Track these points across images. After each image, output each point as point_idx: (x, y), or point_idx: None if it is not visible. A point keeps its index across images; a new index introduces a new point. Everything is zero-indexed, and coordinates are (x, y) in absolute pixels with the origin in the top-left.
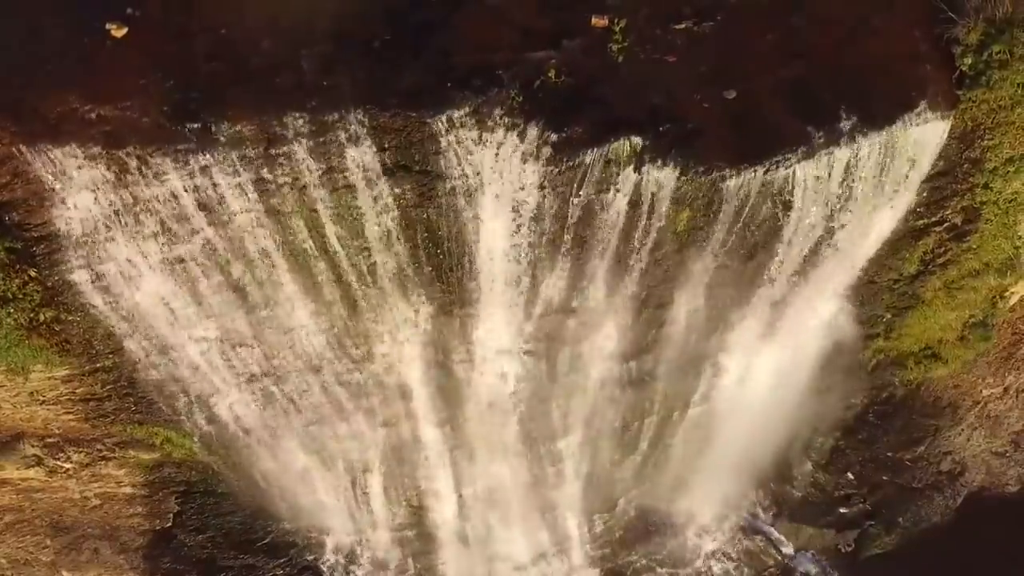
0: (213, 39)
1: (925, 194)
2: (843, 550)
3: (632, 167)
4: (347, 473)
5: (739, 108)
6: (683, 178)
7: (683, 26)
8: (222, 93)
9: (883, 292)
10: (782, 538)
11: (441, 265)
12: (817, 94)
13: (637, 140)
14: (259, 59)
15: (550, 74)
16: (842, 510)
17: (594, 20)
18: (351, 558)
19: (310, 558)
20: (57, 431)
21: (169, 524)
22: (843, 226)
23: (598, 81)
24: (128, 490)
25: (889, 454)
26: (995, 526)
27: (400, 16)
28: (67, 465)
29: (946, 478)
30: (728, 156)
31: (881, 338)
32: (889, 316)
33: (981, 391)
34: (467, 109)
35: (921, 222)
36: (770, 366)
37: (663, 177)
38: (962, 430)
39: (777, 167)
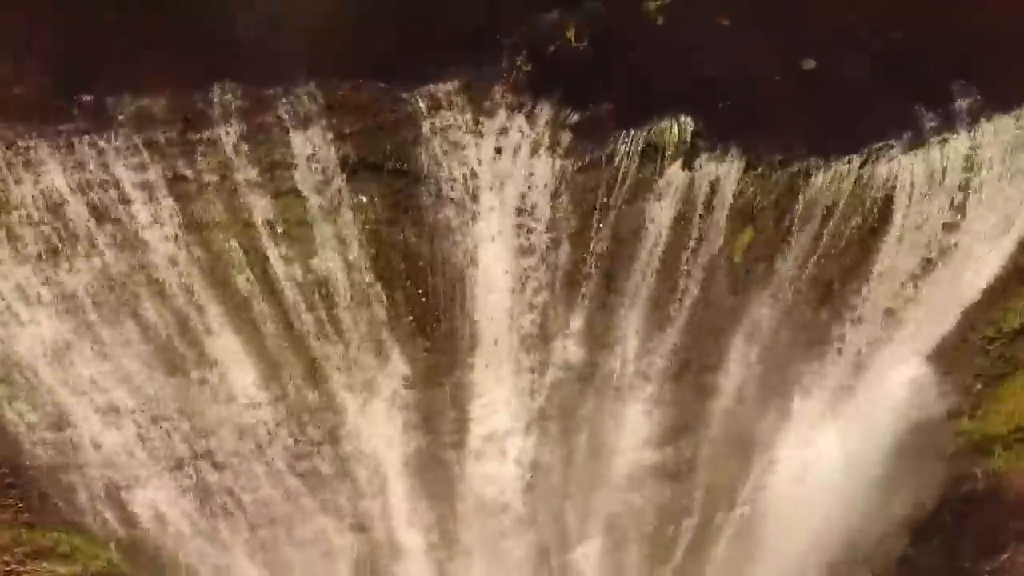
0: None
1: None
2: None
3: (680, 162)
4: None
5: (820, 82)
6: (751, 173)
7: None
8: (128, 56)
9: (976, 354)
10: None
11: (425, 311)
12: (922, 66)
13: (687, 121)
14: (182, 16)
15: (568, 35)
16: None
17: None
18: None
19: None
20: None
21: None
22: (952, 250)
23: (631, 46)
24: None
25: (966, 564)
26: None
27: None
28: None
29: None
30: (810, 143)
31: (966, 415)
32: (980, 386)
33: None
34: (456, 84)
35: None
36: (833, 452)
37: (724, 172)
38: None
39: (878, 158)
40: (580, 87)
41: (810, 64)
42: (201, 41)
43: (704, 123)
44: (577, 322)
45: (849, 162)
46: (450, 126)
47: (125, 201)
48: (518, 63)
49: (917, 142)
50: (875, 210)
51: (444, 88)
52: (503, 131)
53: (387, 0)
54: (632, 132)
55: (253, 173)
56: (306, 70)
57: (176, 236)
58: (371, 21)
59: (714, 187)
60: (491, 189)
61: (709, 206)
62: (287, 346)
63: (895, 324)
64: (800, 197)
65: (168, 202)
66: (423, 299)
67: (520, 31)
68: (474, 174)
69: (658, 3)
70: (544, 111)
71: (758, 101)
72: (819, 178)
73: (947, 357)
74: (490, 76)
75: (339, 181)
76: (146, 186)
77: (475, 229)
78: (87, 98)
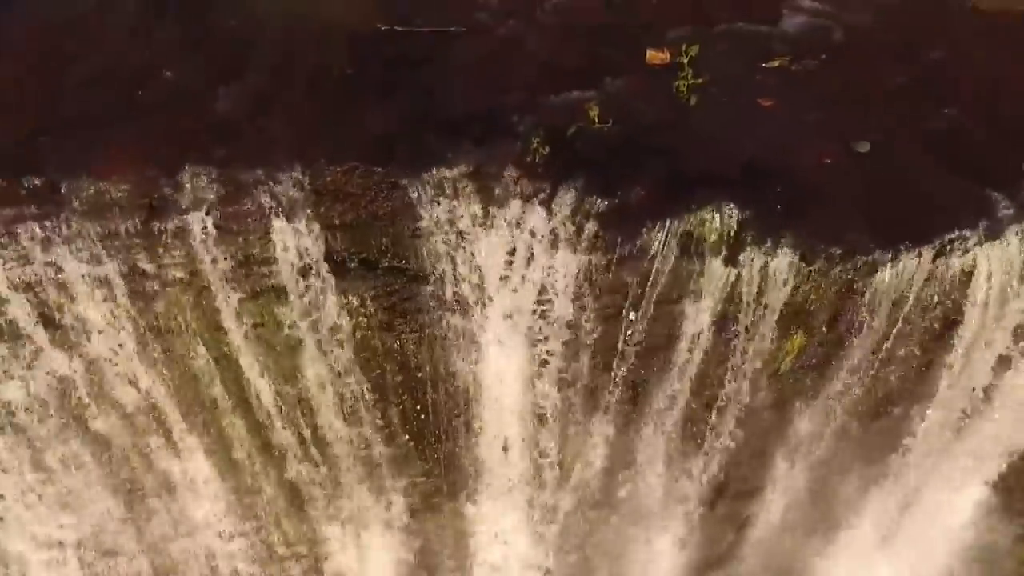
0: (95, 63)
1: None
2: None
3: (723, 257)
4: None
5: (877, 166)
6: (806, 269)
7: (776, 63)
8: (89, 134)
9: None
10: None
11: (423, 430)
12: (989, 145)
13: (731, 209)
14: (156, 92)
15: (591, 114)
16: None
17: (650, 55)
18: None
19: None
20: None
21: None
22: None
23: (663, 128)
24: None
25: None
26: None
27: (369, 46)
28: None
29: None
30: (874, 234)
31: None
32: None
33: None
34: (463, 169)
35: None
36: None
37: (774, 268)
38: None
39: (951, 250)
40: (606, 172)
41: (864, 146)
42: (173, 120)
43: (750, 212)
44: (598, 441)
45: (920, 255)
46: (455, 217)
47: (73, 299)
48: (534, 145)
49: (994, 232)
50: (945, 310)
51: (449, 174)
52: (517, 223)
53: (384, 76)
54: (668, 222)
55: (226, 269)
56: (291, 152)
57: (135, 341)
58: (365, 99)
59: (762, 286)
60: (502, 290)
61: (756, 308)
62: (263, 469)
63: (960, 440)
64: (862, 296)
65: (126, 302)
66: (421, 416)
67: (535, 111)
68: (483, 272)
69: (690, 82)
70: (565, 199)
71: (809, 187)
72: (886, 274)
73: (1007, 479)
74: (502, 160)
75: (326, 279)
76: (101, 283)
77: (483, 336)
78: (36, 181)
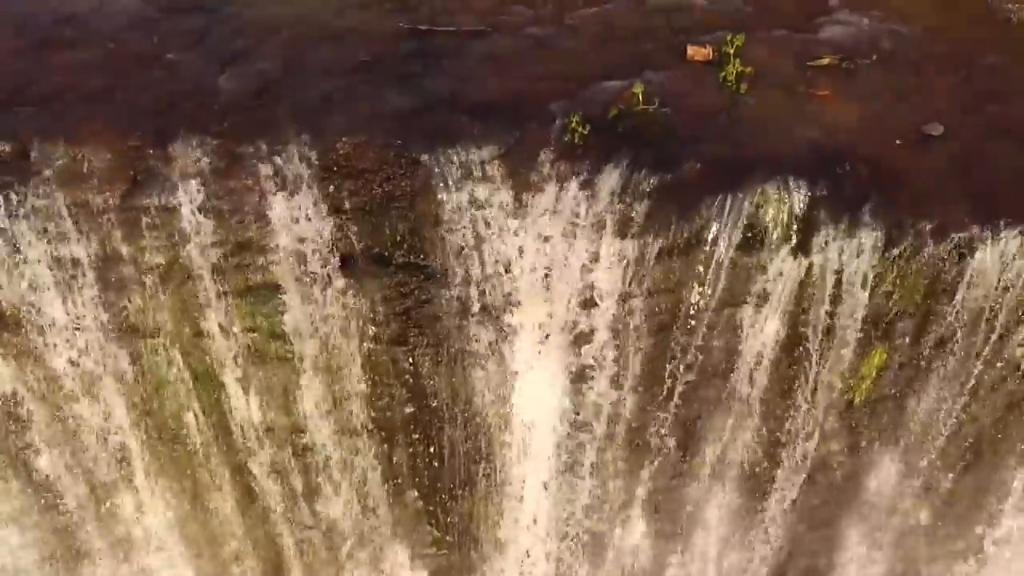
0: (92, 47)
1: None
2: None
3: (792, 244)
4: None
5: (951, 150)
6: (892, 254)
7: (825, 61)
8: (74, 104)
9: None
10: None
11: (436, 482)
12: None
13: (800, 185)
14: (154, 71)
15: (636, 92)
16: None
17: (691, 50)
18: None
19: None
20: None
21: None
22: None
23: (713, 111)
24: None
25: None
26: None
27: (390, 40)
28: None
29: None
30: (967, 208)
31: None
32: None
33: None
34: (492, 149)
35: None
36: None
37: (853, 254)
38: None
39: None
40: (656, 150)
41: (937, 128)
42: (169, 94)
43: (822, 188)
44: (642, 503)
45: (1023, 233)
46: (483, 205)
47: (33, 288)
48: (573, 124)
49: None
50: None
51: (477, 155)
52: (554, 212)
53: (405, 65)
54: (729, 200)
55: (215, 256)
56: (297, 124)
57: (98, 344)
58: (384, 81)
59: (839, 277)
60: (536, 292)
61: (830, 310)
62: (246, 527)
63: None
64: (954, 293)
65: (91, 292)
66: (434, 463)
67: (571, 97)
68: (513, 271)
69: (738, 70)
70: (609, 180)
71: (885, 165)
72: (986, 254)
73: None
74: (537, 140)
75: (333, 273)
76: (65, 266)
77: (512, 352)
78: (4, 146)
